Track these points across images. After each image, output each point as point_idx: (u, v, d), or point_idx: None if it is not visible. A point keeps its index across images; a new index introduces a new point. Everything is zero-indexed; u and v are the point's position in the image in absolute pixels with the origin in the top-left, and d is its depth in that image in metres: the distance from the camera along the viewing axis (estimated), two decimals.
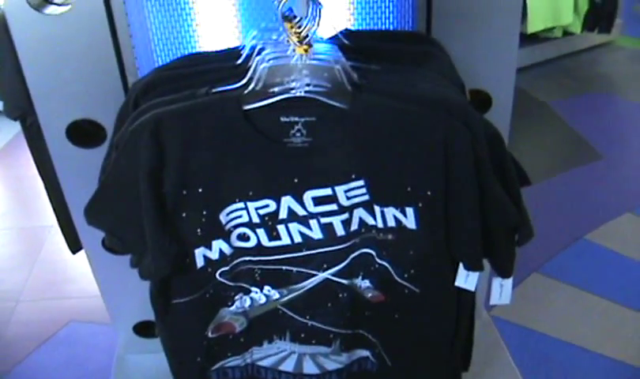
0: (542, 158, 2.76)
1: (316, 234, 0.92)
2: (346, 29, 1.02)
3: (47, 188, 1.40)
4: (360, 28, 1.18)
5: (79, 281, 2.06)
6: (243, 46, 0.96)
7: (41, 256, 2.21)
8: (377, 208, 0.90)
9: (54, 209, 1.43)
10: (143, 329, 1.46)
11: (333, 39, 0.98)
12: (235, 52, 0.96)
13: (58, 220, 1.44)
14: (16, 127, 2.91)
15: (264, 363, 1.08)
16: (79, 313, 1.93)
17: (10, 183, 2.74)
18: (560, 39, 3.79)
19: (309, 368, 1.08)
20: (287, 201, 0.90)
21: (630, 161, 2.72)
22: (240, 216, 0.91)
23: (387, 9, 1.16)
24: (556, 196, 2.44)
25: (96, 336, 1.83)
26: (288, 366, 1.08)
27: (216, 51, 1.02)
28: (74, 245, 1.44)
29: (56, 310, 1.95)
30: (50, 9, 1.00)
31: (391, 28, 1.19)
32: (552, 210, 2.33)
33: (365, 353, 1.09)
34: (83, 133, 1.12)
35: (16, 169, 2.78)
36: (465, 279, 0.94)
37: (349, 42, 0.97)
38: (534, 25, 3.47)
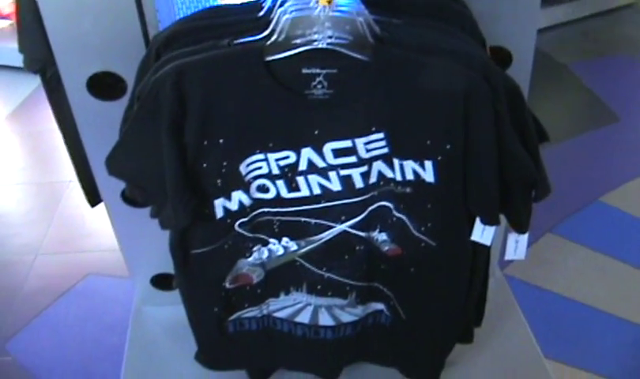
0: (559, 119, 2.74)
1: (335, 186, 0.93)
2: None
3: (66, 141, 1.41)
4: None
5: (96, 235, 2.08)
6: None
7: (59, 210, 2.23)
8: (396, 161, 0.91)
9: (74, 162, 1.43)
10: (160, 281, 1.47)
11: None
12: (256, 4, 0.96)
13: (77, 173, 1.45)
14: (32, 84, 2.94)
15: (280, 315, 1.10)
16: (96, 266, 1.95)
17: (28, 139, 2.75)
18: (582, 0, 3.73)
19: (324, 320, 1.09)
20: (307, 153, 0.90)
21: None
22: (260, 168, 0.92)
23: None
24: (572, 157, 2.43)
25: (114, 289, 1.85)
26: (303, 318, 1.10)
27: (238, 4, 1.01)
28: (93, 199, 1.45)
29: (74, 264, 1.98)
30: None
31: None
32: (568, 171, 2.32)
33: (380, 306, 1.10)
34: (103, 85, 1.12)
35: (33, 125, 2.79)
36: (482, 234, 0.95)
37: None
38: None
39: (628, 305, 1.74)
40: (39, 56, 1.22)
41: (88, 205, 1.48)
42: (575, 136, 2.58)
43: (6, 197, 2.36)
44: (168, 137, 0.85)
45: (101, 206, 1.42)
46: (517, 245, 1.01)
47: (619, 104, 2.81)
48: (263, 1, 0.96)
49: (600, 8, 3.88)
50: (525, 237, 0.99)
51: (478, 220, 0.94)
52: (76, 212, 2.20)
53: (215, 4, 1.13)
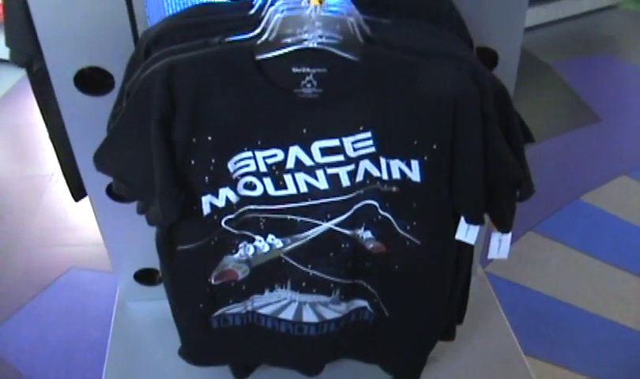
0: (542, 118, 2.76)
1: (322, 184, 0.94)
2: None
3: (51, 135, 1.40)
4: None
5: (79, 229, 2.07)
6: None
7: (42, 204, 2.21)
8: (383, 160, 0.92)
9: (58, 156, 1.42)
10: (144, 277, 1.47)
11: None
12: (247, 2, 0.96)
13: (62, 168, 1.44)
14: (14, 77, 2.92)
15: (264, 311, 1.11)
16: (79, 260, 1.94)
17: (10, 132, 2.72)
18: (567, 1, 3.75)
19: (308, 316, 1.10)
20: (295, 151, 0.91)
21: (628, 124, 2.74)
22: (248, 165, 0.92)
23: None
24: (554, 157, 2.46)
25: (96, 283, 1.84)
26: (287, 314, 1.10)
27: (228, 2, 1.01)
28: (77, 193, 1.44)
29: (56, 257, 1.97)
30: None
31: None
32: (550, 170, 2.35)
33: (363, 303, 1.11)
34: (91, 80, 1.12)
35: (16, 118, 2.76)
36: (466, 233, 0.96)
37: None
38: None
39: (607, 303, 1.76)
40: (26, 50, 1.22)
41: (71, 199, 1.48)
42: (557, 136, 2.60)
43: None
44: (157, 134, 0.85)
45: (84, 200, 1.41)
46: (500, 244, 1.02)
47: (602, 104, 2.84)
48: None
49: (585, 8, 3.91)
50: (508, 236, 1.00)
51: (463, 219, 0.95)
52: (59, 205, 2.19)
53: (205, 1, 1.13)
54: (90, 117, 1.12)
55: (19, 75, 2.87)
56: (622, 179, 2.33)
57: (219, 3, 1.03)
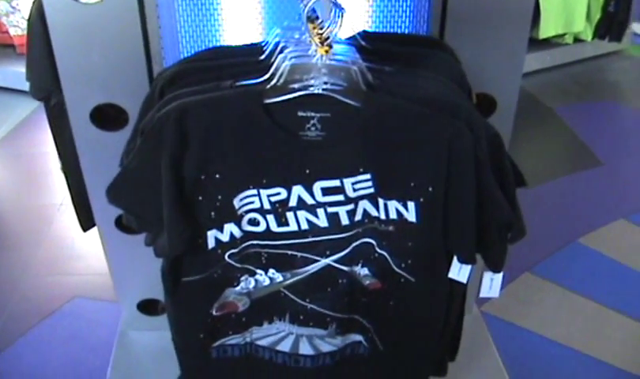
0: (544, 161, 2.80)
1: (322, 222, 0.98)
2: (364, 31, 1.07)
3: (64, 167, 1.44)
4: (377, 30, 1.23)
5: (85, 258, 2.09)
6: (266, 43, 1.01)
7: (50, 233, 2.24)
8: (381, 201, 0.96)
9: (70, 187, 1.46)
10: (146, 307, 1.51)
11: (351, 40, 1.03)
12: (257, 48, 1.01)
13: (72, 198, 1.48)
14: (28, 108, 2.97)
15: (262, 342, 1.14)
16: (83, 289, 1.96)
17: (21, 161, 2.74)
18: (571, 46, 3.79)
19: (304, 349, 1.13)
20: (297, 190, 0.95)
21: (629, 169, 2.76)
22: (252, 202, 0.96)
23: (404, 14, 1.22)
24: (554, 199, 2.48)
25: (100, 312, 1.85)
26: (284, 346, 1.14)
27: (240, 46, 1.07)
28: (86, 223, 1.48)
29: (61, 286, 1.98)
30: None
31: (407, 31, 1.24)
32: (549, 212, 2.37)
33: (358, 337, 1.14)
34: (106, 116, 1.17)
35: (27, 148, 2.79)
36: (458, 272, 0.99)
37: (366, 43, 1.03)
38: (546, 31, 3.49)
39: (602, 345, 1.77)
40: (45, 85, 1.27)
41: (79, 229, 1.51)
42: (558, 178, 2.63)
43: None
44: (168, 171, 0.90)
45: (91, 230, 1.45)
46: (491, 284, 1.05)
47: (603, 149, 2.87)
48: (264, 44, 1.02)
49: (588, 54, 3.95)
50: (499, 276, 1.04)
51: (455, 259, 0.99)
52: (65, 234, 2.21)
53: (218, 45, 1.18)
54: (103, 150, 1.17)
55: (32, 106, 2.91)
56: (620, 223, 2.35)
57: (230, 47, 1.08)
